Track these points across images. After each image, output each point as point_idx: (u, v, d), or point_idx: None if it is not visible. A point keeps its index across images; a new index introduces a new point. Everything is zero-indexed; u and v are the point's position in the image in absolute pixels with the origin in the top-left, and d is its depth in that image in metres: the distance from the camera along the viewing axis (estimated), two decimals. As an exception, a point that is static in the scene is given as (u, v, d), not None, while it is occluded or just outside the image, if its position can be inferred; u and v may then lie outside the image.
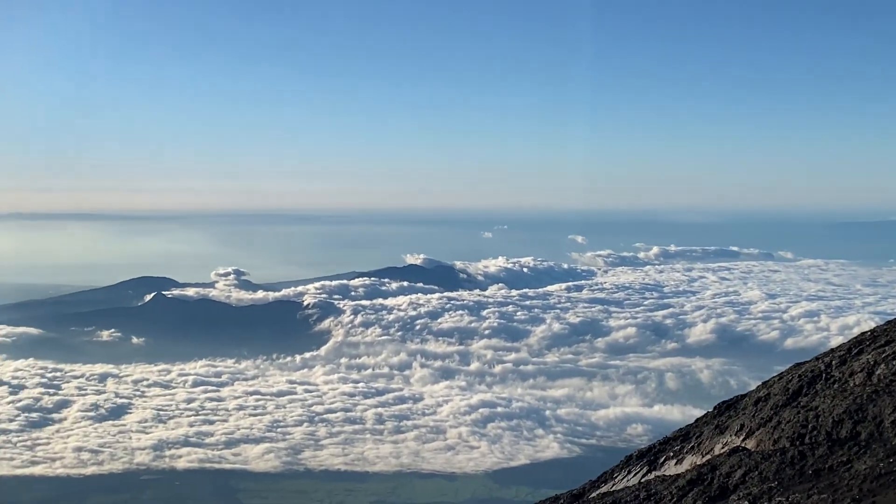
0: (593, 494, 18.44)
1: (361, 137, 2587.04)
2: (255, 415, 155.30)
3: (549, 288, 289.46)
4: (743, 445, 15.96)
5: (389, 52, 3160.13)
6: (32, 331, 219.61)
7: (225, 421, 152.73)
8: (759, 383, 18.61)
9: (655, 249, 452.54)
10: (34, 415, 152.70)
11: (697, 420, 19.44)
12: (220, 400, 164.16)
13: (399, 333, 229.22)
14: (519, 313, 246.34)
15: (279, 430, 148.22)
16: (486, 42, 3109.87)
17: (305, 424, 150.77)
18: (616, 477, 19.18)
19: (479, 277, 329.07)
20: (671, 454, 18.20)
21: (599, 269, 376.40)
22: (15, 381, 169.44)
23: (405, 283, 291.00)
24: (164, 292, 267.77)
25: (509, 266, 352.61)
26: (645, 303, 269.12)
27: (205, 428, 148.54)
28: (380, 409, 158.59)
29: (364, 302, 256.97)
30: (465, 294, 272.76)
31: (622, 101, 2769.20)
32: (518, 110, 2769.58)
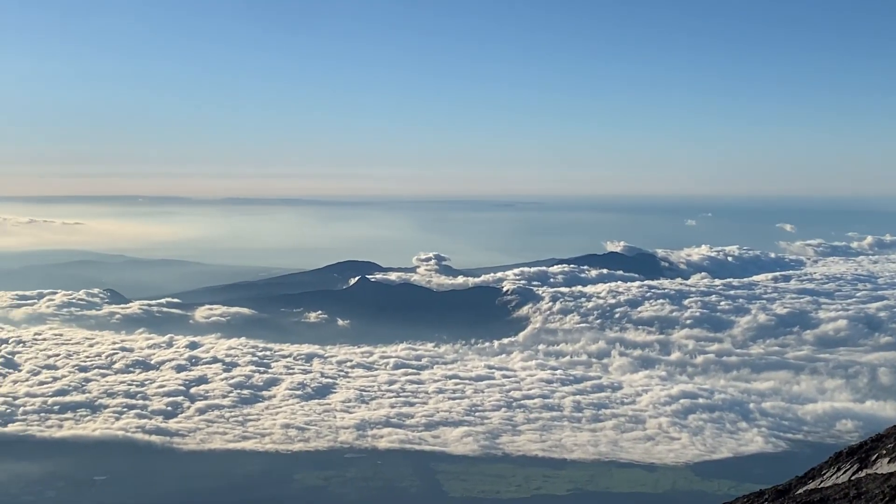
0: (800, 490, 17.76)
1: (564, 124, 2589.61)
2: (453, 398, 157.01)
3: (755, 278, 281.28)
4: (966, 445, 14.98)
5: (588, 40, 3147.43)
6: (245, 311, 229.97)
7: (425, 403, 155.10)
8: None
9: (869, 239, 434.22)
10: (245, 391, 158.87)
11: (914, 417, 18.42)
12: (419, 383, 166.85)
13: (598, 321, 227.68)
14: (722, 303, 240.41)
15: (477, 414, 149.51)
16: (697, 32, 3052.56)
17: (503, 409, 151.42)
18: (824, 473, 18.44)
19: (682, 266, 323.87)
20: (884, 452, 17.34)
21: (809, 259, 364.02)
22: (228, 359, 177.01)
23: (605, 271, 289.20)
24: (367, 276, 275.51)
25: (713, 255, 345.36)
26: (857, 294, 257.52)
27: (405, 409, 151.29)
28: (578, 397, 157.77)
29: (563, 289, 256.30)
30: (666, 282, 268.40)
31: (839, 84, 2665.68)
32: (725, 95, 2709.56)
